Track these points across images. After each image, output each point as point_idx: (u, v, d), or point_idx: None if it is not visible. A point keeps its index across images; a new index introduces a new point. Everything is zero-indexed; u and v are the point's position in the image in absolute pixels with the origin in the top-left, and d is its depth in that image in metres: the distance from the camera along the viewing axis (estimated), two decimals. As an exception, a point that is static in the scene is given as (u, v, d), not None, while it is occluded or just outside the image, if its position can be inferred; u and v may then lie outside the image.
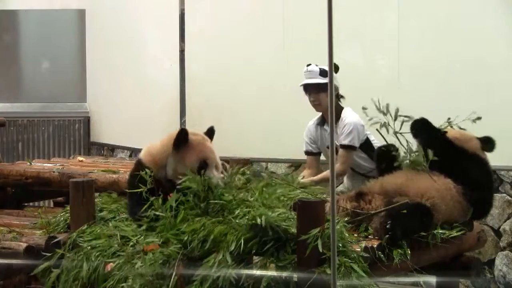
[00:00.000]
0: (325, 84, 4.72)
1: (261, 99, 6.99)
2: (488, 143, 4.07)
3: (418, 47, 6.09)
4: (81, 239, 3.55)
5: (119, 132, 8.36)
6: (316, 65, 4.85)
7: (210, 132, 3.83)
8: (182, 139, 3.61)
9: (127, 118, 8.21)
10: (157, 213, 3.41)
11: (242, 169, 3.86)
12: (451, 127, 4.02)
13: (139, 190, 3.53)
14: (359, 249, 3.18)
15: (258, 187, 3.66)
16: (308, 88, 4.86)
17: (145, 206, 3.45)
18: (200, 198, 3.45)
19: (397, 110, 3.82)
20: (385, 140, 3.95)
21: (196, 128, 7.25)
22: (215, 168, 3.58)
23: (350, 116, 4.83)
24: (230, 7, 7.26)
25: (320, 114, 5.01)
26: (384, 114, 3.80)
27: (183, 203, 3.43)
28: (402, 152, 3.91)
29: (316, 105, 4.90)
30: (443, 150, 3.87)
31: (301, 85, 4.88)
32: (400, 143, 3.89)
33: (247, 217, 3.21)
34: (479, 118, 3.87)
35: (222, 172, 3.62)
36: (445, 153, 3.87)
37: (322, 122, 4.98)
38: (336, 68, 4.80)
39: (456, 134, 4.03)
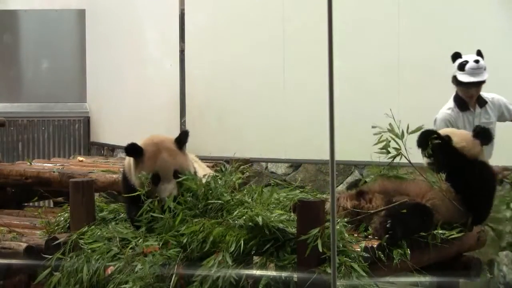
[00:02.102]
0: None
1: (261, 99, 6.99)
2: (482, 136, 4.01)
3: (418, 46, 6.10)
4: (81, 241, 3.55)
5: (119, 132, 8.35)
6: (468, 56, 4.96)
7: (182, 136, 3.68)
8: (130, 152, 3.56)
9: (127, 118, 8.20)
10: (154, 215, 3.41)
11: (241, 167, 3.86)
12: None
13: (134, 194, 3.53)
14: (359, 249, 3.18)
15: (258, 188, 3.66)
16: (475, 84, 4.92)
17: (142, 209, 3.44)
18: (198, 198, 3.45)
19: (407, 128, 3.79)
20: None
21: (197, 127, 7.31)
22: (167, 181, 3.49)
23: (496, 95, 5.05)
24: (230, 7, 7.26)
25: (451, 100, 5.06)
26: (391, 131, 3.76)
27: (181, 204, 3.43)
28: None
29: (472, 96, 5.00)
30: (449, 158, 3.86)
31: (469, 82, 4.91)
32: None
33: (244, 217, 3.21)
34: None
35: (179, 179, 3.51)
36: (450, 161, 3.86)
37: (464, 107, 5.01)
38: (482, 55, 4.95)
39: (462, 142, 3.98)
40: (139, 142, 3.64)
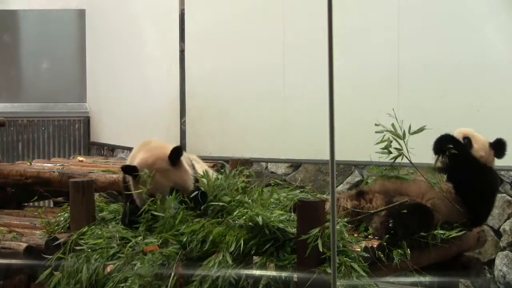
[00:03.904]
0: None
1: (261, 99, 6.99)
2: (499, 148, 3.99)
3: (418, 46, 6.09)
4: (81, 241, 3.55)
5: (119, 132, 8.36)
6: None
7: (174, 153, 3.68)
8: (128, 172, 3.68)
9: (127, 118, 8.20)
10: (155, 213, 3.43)
11: (242, 168, 3.86)
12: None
13: (139, 191, 3.55)
14: (359, 249, 3.18)
15: (258, 189, 3.67)
16: None
17: (142, 208, 3.46)
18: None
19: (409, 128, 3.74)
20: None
21: (197, 127, 7.30)
22: (161, 200, 3.57)
23: None
24: (230, 7, 7.26)
25: None
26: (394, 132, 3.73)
27: (182, 203, 3.44)
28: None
29: None
30: (465, 166, 3.84)
31: None
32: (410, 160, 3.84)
33: (244, 217, 3.21)
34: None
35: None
36: (465, 169, 3.84)
37: None
38: None
39: (481, 151, 3.94)
40: (135, 149, 3.79)
